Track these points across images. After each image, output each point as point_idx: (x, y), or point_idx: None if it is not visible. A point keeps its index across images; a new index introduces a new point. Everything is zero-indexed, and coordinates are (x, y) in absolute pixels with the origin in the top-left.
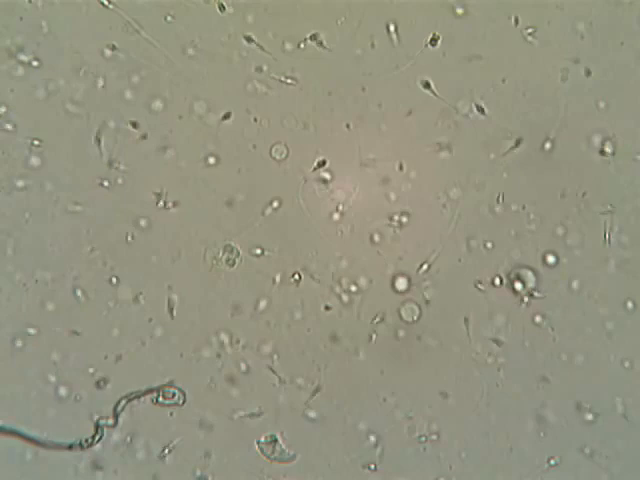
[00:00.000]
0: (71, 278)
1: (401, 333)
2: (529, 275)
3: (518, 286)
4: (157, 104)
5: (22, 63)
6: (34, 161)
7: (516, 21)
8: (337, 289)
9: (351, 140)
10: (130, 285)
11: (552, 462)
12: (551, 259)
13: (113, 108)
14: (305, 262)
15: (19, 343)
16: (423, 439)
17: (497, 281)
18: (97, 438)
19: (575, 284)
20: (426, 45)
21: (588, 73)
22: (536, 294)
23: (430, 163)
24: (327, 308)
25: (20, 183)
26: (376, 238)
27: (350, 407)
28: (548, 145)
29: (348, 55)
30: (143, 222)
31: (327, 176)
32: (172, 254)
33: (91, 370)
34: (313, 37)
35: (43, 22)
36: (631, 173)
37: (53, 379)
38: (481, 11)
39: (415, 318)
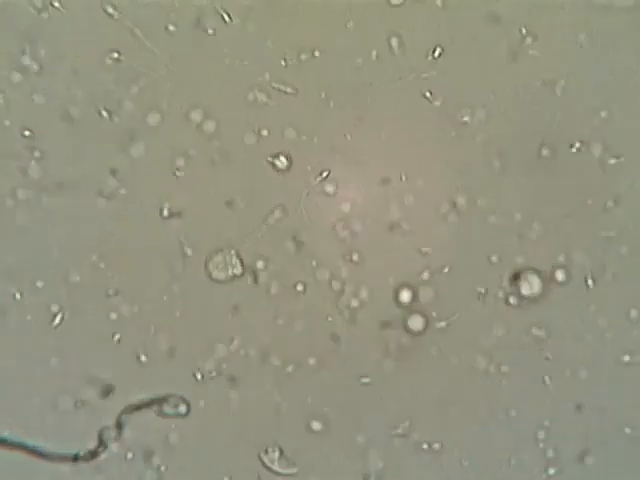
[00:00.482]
0: (72, 288)
1: (405, 342)
2: (535, 280)
3: (525, 289)
4: (156, 114)
5: (22, 69)
6: (33, 169)
7: (519, 31)
8: (340, 300)
9: (353, 149)
10: (131, 295)
11: (551, 471)
12: (559, 269)
13: (113, 116)
14: (308, 272)
15: (19, 350)
16: (425, 446)
17: (499, 291)
18: (101, 450)
19: (580, 293)
20: (427, 56)
21: (588, 81)
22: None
23: (432, 172)
24: (330, 320)
25: (20, 191)
26: (380, 249)
27: (350, 417)
28: (548, 152)
29: (350, 64)
30: (145, 232)
31: (330, 186)
32: (174, 264)
33: (93, 379)
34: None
35: (45, 29)
36: (631, 177)
37: (55, 387)
38: (484, 20)
39: (422, 328)
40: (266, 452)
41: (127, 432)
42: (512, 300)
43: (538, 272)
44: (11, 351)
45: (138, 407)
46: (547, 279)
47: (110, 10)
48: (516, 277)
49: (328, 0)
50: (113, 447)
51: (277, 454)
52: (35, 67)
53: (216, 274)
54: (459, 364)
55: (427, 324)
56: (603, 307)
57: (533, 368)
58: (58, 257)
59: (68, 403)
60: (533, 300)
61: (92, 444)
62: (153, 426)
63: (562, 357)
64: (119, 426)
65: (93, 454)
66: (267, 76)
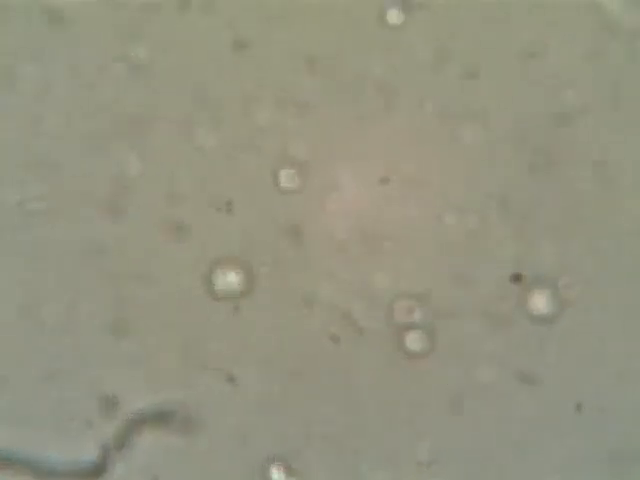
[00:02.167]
0: (71, 307)
1: (406, 352)
2: (538, 292)
3: (538, 301)
4: (159, 130)
5: (24, 79)
6: (35, 184)
7: (525, 42)
8: (343, 315)
9: (357, 161)
10: (132, 309)
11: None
12: (562, 280)
13: (116, 128)
14: (310, 288)
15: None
16: (428, 462)
17: (502, 302)
18: (105, 466)
19: (583, 302)
20: (431, 68)
21: (594, 94)
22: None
23: (435, 183)
24: (333, 336)
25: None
26: (385, 260)
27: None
28: (550, 161)
29: (355, 77)
30: (147, 245)
31: (335, 200)
32: (177, 278)
33: (94, 393)
34: None
35: (49, 38)
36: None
37: (56, 401)
38: (485, 35)
39: (423, 349)
40: (272, 463)
41: (130, 448)
42: (514, 310)
43: (541, 283)
44: (11, 362)
45: (140, 422)
46: (549, 289)
47: (117, 21)
48: (517, 279)
49: (327, 14)
50: (115, 463)
51: (283, 473)
52: (38, 76)
53: (218, 287)
54: (460, 377)
55: (428, 336)
56: (605, 313)
57: (534, 372)
58: (58, 268)
59: (70, 417)
60: (537, 312)
61: (95, 459)
62: (155, 442)
63: (563, 360)
64: (122, 442)
65: (97, 471)
66: (269, 89)
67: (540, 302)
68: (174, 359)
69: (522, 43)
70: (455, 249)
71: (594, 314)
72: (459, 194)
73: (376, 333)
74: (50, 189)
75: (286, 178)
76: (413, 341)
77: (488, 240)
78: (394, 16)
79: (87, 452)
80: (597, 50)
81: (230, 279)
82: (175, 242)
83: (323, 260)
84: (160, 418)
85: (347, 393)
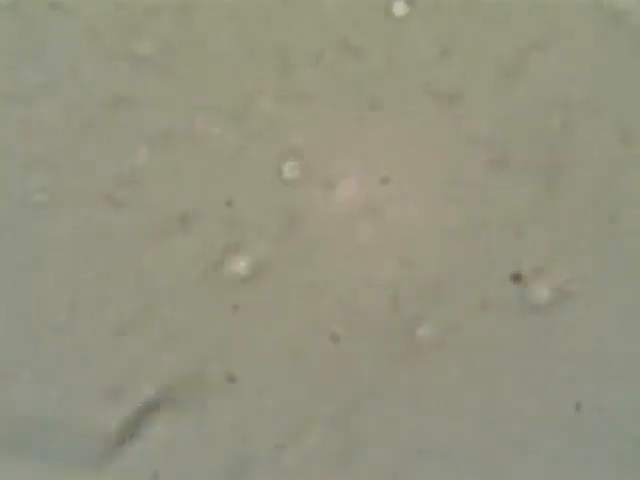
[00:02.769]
0: (71, 306)
1: (405, 349)
2: (539, 286)
3: (531, 296)
4: (159, 120)
5: (25, 73)
6: (36, 179)
7: (528, 41)
8: (345, 310)
9: (359, 155)
10: (135, 300)
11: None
12: (562, 274)
13: (118, 122)
14: (313, 282)
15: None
16: (431, 451)
17: (502, 298)
18: (106, 460)
19: (583, 297)
20: (433, 63)
21: (597, 94)
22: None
23: (439, 184)
24: (333, 335)
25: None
26: (386, 254)
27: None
28: (553, 160)
29: (355, 72)
30: (150, 238)
31: (339, 196)
32: (180, 268)
33: (95, 383)
34: None
35: (51, 30)
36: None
37: (55, 394)
38: (489, 29)
39: (424, 335)
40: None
41: (130, 443)
42: (514, 310)
43: (541, 282)
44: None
45: (141, 417)
46: (549, 287)
47: (120, 18)
48: (517, 278)
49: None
50: (116, 458)
51: None
52: (38, 71)
53: (219, 283)
54: (461, 376)
55: (430, 331)
56: (605, 312)
57: (533, 368)
58: (60, 260)
59: (70, 413)
60: (536, 307)
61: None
62: (157, 438)
63: (563, 359)
64: (123, 437)
65: (98, 465)
66: (271, 81)
67: (540, 301)
68: (174, 358)
69: (524, 39)
70: (455, 248)
71: (594, 313)
72: (459, 194)
73: (378, 329)
74: (51, 184)
75: (289, 170)
76: (414, 333)
77: (488, 240)
78: (400, 8)
79: (88, 447)
80: (599, 50)
81: (231, 273)
82: (177, 236)
83: (325, 254)
84: (161, 414)
85: (349, 389)
